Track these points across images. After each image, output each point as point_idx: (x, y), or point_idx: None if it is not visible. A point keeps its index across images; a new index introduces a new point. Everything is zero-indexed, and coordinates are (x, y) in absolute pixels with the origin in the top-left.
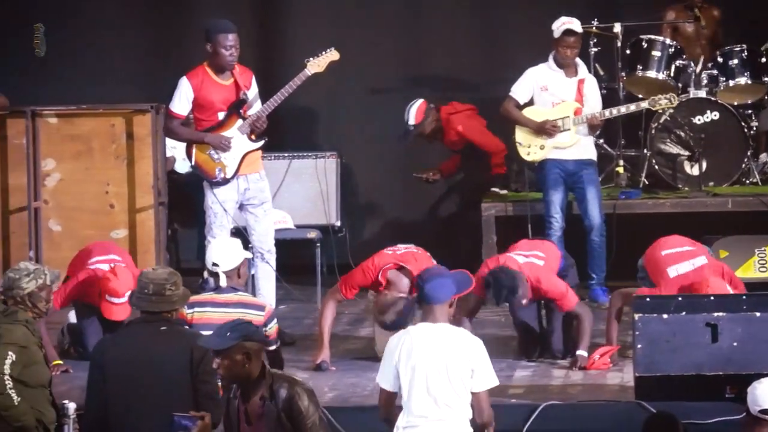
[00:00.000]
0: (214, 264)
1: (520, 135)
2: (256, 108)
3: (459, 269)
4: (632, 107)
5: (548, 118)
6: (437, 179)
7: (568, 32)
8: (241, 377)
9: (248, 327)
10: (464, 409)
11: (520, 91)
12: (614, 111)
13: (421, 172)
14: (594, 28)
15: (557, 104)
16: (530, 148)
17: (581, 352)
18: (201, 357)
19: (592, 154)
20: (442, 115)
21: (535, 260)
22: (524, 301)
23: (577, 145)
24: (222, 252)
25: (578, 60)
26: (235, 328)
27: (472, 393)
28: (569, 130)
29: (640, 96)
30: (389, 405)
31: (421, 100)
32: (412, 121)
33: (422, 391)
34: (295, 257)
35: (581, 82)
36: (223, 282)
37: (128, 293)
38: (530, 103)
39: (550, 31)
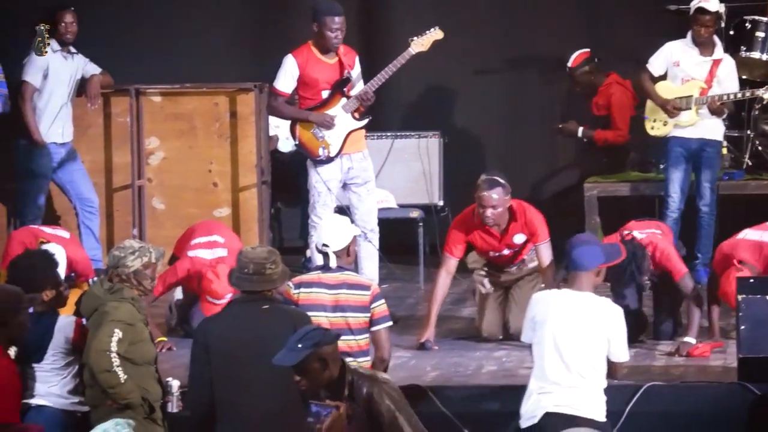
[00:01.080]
0: (325, 244)
1: (649, 109)
2: (358, 88)
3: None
4: (747, 94)
5: (673, 96)
6: (571, 130)
7: (701, 10)
8: (324, 383)
9: (317, 332)
10: (599, 378)
11: (655, 63)
12: (731, 96)
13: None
14: None
15: (686, 81)
16: (654, 122)
17: (689, 339)
18: None
19: (717, 135)
20: (607, 79)
21: (654, 230)
22: (645, 277)
23: (700, 125)
24: (333, 231)
25: (716, 40)
26: (305, 338)
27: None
28: (690, 109)
29: (744, 77)
30: None
31: (587, 50)
32: (569, 63)
33: (556, 357)
34: (397, 237)
35: (716, 62)
36: (333, 262)
37: (229, 295)
38: (665, 76)
39: (655, 10)
